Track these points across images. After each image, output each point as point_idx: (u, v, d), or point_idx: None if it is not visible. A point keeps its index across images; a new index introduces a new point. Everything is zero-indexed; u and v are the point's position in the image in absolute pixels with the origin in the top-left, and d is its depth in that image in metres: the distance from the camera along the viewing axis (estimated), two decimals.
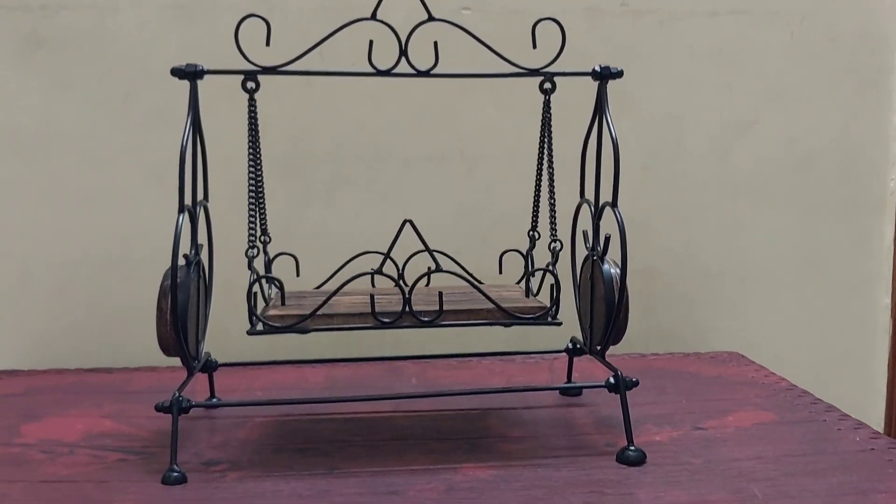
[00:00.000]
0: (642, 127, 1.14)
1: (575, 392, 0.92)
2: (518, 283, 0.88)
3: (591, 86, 0.79)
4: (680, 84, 1.15)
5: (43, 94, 1.08)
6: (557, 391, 0.93)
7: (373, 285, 0.81)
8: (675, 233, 1.17)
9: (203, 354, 0.83)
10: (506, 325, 0.77)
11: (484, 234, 1.13)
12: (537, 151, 0.86)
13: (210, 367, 0.86)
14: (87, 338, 1.11)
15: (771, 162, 1.17)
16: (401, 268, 0.81)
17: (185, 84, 0.74)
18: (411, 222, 0.76)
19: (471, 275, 0.81)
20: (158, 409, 0.72)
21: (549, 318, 0.76)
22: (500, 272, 0.87)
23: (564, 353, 0.91)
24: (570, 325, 0.84)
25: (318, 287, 0.86)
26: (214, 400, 0.88)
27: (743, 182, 1.17)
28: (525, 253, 0.88)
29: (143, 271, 1.10)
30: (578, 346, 0.89)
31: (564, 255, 0.85)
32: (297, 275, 0.86)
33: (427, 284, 0.78)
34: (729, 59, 1.15)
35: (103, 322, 1.11)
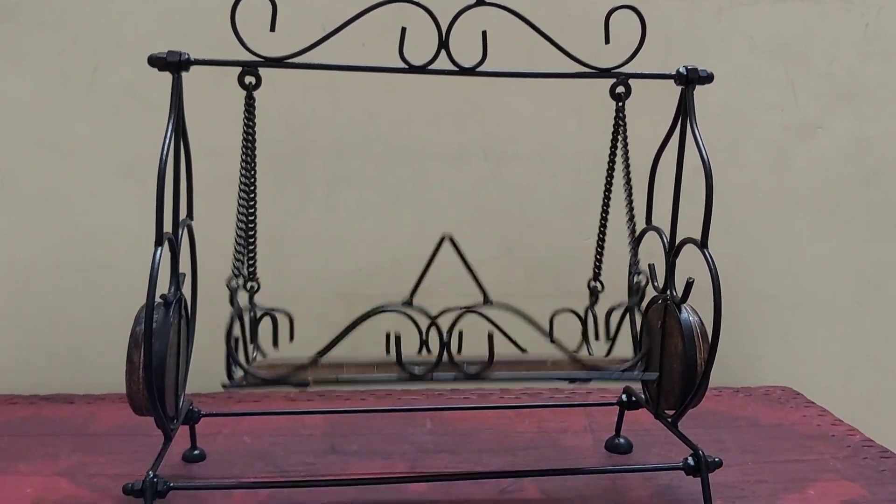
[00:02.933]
0: None
1: (624, 449, 0.78)
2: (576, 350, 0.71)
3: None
4: (737, 80, 1.00)
5: None
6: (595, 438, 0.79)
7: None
8: (724, 248, 1.01)
9: (183, 404, 0.68)
10: (584, 381, 0.61)
11: (510, 244, 0.99)
12: (607, 167, 0.71)
13: (192, 417, 0.71)
14: (43, 356, 0.96)
15: (836, 172, 1.03)
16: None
17: None
18: (451, 239, 0.60)
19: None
20: (127, 492, 0.57)
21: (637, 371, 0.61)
22: (551, 338, 0.68)
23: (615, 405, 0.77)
24: None
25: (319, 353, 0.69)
26: (197, 455, 0.73)
27: (803, 194, 1.03)
28: (583, 313, 0.71)
29: (110, 277, 0.96)
30: (634, 398, 0.75)
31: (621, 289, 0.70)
32: (291, 338, 0.68)
33: (454, 323, 0.62)
34: (794, 54, 1.00)
35: (63, 337, 0.96)
